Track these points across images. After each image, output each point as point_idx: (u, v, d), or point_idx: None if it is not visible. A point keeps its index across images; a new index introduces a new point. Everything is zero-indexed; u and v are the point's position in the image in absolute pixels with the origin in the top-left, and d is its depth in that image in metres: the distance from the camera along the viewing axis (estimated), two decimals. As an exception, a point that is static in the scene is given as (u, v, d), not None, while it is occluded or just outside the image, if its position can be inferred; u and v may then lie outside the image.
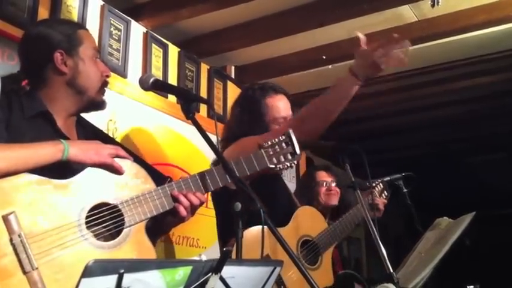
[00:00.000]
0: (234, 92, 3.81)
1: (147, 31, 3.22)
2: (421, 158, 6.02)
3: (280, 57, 3.95)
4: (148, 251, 1.51)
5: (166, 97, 3.16)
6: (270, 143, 1.72)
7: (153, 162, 2.70)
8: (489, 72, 4.18)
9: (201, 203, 1.61)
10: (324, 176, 3.24)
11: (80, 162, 1.46)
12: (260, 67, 4.05)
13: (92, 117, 1.84)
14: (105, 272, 0.93)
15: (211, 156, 2.31)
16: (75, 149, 1.45)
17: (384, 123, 5.29)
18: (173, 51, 3.40)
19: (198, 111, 3.33)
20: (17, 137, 1.49)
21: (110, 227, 1.47)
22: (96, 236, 1.44)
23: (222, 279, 1.11)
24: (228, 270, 1.10)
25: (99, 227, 1.45)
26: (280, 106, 2.30)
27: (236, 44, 3.72)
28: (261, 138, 1.83)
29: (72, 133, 1.71)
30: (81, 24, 2.31)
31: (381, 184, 2.80)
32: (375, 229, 2.04)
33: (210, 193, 2.11)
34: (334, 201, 3.16)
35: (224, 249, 1.10)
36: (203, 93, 3.61)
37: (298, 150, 1.73)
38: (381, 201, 2.76)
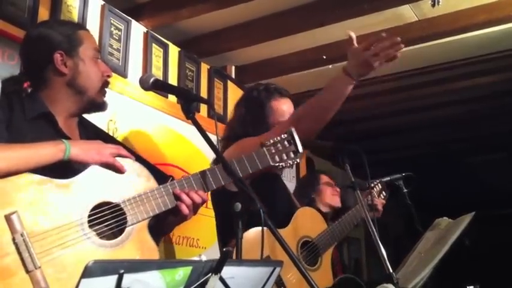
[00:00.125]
0: (234, 92, 3.82)
1: (147, 31, 3.22)
2: (421, 158, 6.02)
3: (280, 57, 3.95)
4: (151, 250, 1.52)
5: (167, 97, 3.16)
6: (272, 141, 1.72)
7: (153, 162, 2.68)
8: (489, 72, 4.19)
9: (203, 201, 1.60)
10: (327, 179, 3.30)
11: (81, 162, 1.46)
12: (260, 67, 4.05)
13: (92, 117, 1.84)
14: (105, 273, 0.93)
15: (211, 156, 2.31)
16: (77, 149, 1.45)
17: (384, 123, 5.29)
18: (173, 51, 3.40)
19: (198, 111, 3.33)
20: (18, 137, 1.49)
21: (112, 225, 1.47)
22: (98, 234, 1.44)
23: (222, 280, 1.11)
24: (227, 271, 1.10)
25: (101, 225, 1.45)
26: (285, 110, 2.30)
27: (236, 44, 3.72)
28: (261, 138, 1.83)
29: (74, 134, 1.71)
30: (81, 25, 2.31)
31: (379, 184, 2.81)
32: (374, 229, 2.04)
33: (209, 194, 2.11)
34: (339, 202, 3.23)
35: (224, 249, 1.10)
36: (203, 93, 3.61)
37: (300, 148, 1.73)
38: (380, 201, 2.77)
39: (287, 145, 1.73)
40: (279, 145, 1.72)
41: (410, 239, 2.39)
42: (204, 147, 2.55)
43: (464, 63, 3.91)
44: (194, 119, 1.61)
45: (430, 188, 5.53)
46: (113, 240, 1.45)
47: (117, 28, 2.94)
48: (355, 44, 1.92)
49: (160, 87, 1.85)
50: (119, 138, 2.72)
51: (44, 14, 2.53)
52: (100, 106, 1.76)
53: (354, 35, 1.93)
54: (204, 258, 1.08)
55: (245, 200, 1.46)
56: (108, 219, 1.46)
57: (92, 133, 1.78)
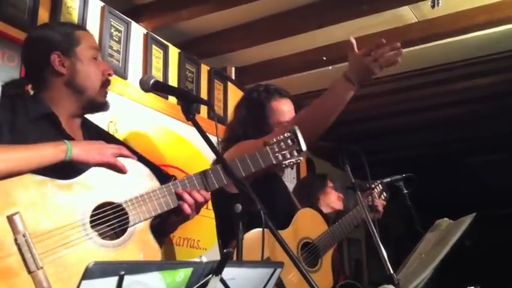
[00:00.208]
0: (234, 93, 3.82)
1: (147, 32, 3.22)
2: (422, 158, 6.02)
3: (280, 58, 3.95)
4: (153, 250, 1.51)
5: (167, 98, 3.16)
6: (275, 140, 1.71)
7: (153, 163, 2.70)
8: (489, 73, 4.19)
9: (206, 201, 1.60)
10: (331, 183, 3.35)
11: (82, 162, 1.46)
12: (260, 68, 4.05)
13: (92, 118, 1.84)
14: (105, 274, 0.93)
15: (211, 157, 2.31)
16: (78, 149, 1.45)
17: (384, 124, 5.30)
18: (173, 52, 3.41)
19: (199, 113, 3.33)
20: (21, 139, 1.50)
21: (114, 226, 1.47)
22: (100, 235, 1.44)
23: (223, 281, 1.11)
24: (228, 272, 1.10)
25: (103, 226, 1.45)
26: (285, 110, 2.30)
27: (236, 45, 3.72)
28: (262, 141, 1.83)
29: (77, 134, 1.71)
30: (80, 26, 2.32)
31: (380, 185, 2.80)
32: (375, 230, 2.04)
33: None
34: (342, 206, 3.33)
35: (225, 250, 1.10)
36: (203, 94, 3.61)
37: (304, 147, 1.72)
38: (380, 202, 2.76)
39: (290, 144, 1.72)
40: (282, 144, 1.71)
41: (411, 240, 2.38)
42: (204, 148, 2.55)
43: (464, 64, 3.91)
44: (194, 120, 1.60)
45: (430, 189, 5.53)
46: (115, 241, 1.45)
47: (117, 29, 2.94)
48: (356, 50, 1.92)
49: (160, 88, 1.85)
50: (119, 140, 2.73)
51: (44, 15, 2.53)
52: (102, 106, 1.76)
53: (354, 41, 1.93)
54: (204, 259, 1.08)
55: (245, 201, 1.45)
56: (110, 219, 1.46)
57: (95, 133, 1.78)
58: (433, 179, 5.53)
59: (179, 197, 1.55)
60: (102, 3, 2.89)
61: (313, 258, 2.27)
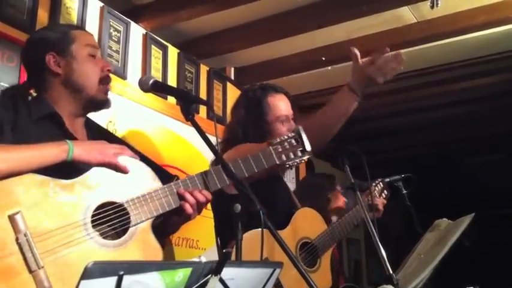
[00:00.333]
0: (233, 93, 3.82)
1: (146, 32, 3.22)
2: (421, 158, 6.03)
3: (279, 58, 3.95)
4: (154, 250, 1.52)
5: (166, 98, 3.17)
6: (278, 140, 1.70)
7: (152, 163, 2.70)
8: (488, 73, 4.19)
9: (207, 201, 1.59)
10: (339, 187, 3.34)
11: (84, 162, 1.46)
12: (260, 68, 4.06)
13: (91, 118, 1.84)
14: (104, 274, 0.93)
15: (210, 157, 2.31)
16: (79, 149, 1.45)
17: (383, 124, 5.30)
18: (173, 52, 3.41)
19: (198, 113, 3.33)
20: (23, 139, 1.50)
21: (116, 226, 1.47)
22: (101, 235, 1.44)
23: (222, 281, 1.11)
24: (227, 272, 1.10)
25: (104, 225, 1.45)
26: (282, 104, 2.30)
27: (235, 45, 3.72)
28: (262, 145, 1.82)
29: (81, 134, 1.72)
30: (77, 26, 2.32)
31: (381, 184, 2.78)
32: (374, 230, 2.04)
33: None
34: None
35: (224, 250, 1.10)
36: (203, 94, 3.61)
37: (308, 147, 1.71)
38: (381, 201, 2.75)
39: (294, 143, 1.71)
40: (285, 144, 1.70)
41: (411, 240, 2.38)
42: (203, 148, 2.54)
43: (464, 64, 3.92)
44: (193, 120, 1.60)
45: (430, 189, 5.53)
46: (116, 240, 1.45)
47: (116, 30, 2.94)
48: (360, 61, 1.92)
49: (159, 88, 1.85)
50: (119, 140, 2.72)
51: (43, 16, 2.53)
52: (103, 103, 1.75)
53: (358, 52, 1.93)
54: (203, 259, 1.08)
55: (245, 201, 1.45)
56: (111, 219, 1.46)
57: (97, 133, 1.79)
58: (432, 179, 5.54)
59: (181, 197, 1.55)
60: (102, 4, 2.89)
61: (312, 258, 2.27)
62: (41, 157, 1.40)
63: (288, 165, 1.70)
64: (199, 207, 1.59)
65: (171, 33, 3.48)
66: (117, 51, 2.93)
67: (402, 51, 1.91)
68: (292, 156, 1.70)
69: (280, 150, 1.69)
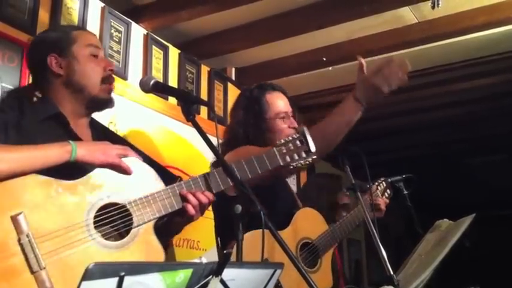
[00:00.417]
0: (234, 94, 3.81)
1: (147, 33, 3.22)
2: (421, 159, 6.02)
3: (280, 59, 3.95)
4: (156, 251, 1.51)
5: (167, 99, 3.17)
6: (283, 141, 1.69)
7: (153, 164, 2.70)
8: (488, 73, 4.19)
9: (210, 202, 1.59)
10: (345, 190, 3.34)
11: (87, 163, 1.46)
12: (260, 69, 4.06)
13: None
14: (105, 275, 0.93)
15: (211, 158, 2.31)
16: (83, 150, 1.45)
17: (384, 124, 5.29)
18: (173, 53, 3.41)
19: (199, 113, 3.33)
20: (28, 139, 1.50)
21: (118, 227, 1.47)
22: (104, 236, 1.44)
23: (223, 282, 1.11)
24: (228, 273, 1.10)
25: (107, 226, 1.45)
26: (280, 101, 2.31)
27: (236, 45, 3.73)
28: (263, 149, 1.81)
29: (86, 134, 1.72)
30: (78, 26, 2.32)
31: (383, 183, 2.76)
32: (375, 231, 2.04)
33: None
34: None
35: (224, 251, 1.10)
36: (203, 95, 3.61)
37: (313, 148, 1.69)
38: (383, 201, 2.73)
39: (299, 144, 1.69)
40: (290, 145, 1.68)
41: (411, 240, 2.38)
42: (204, 149, 2.55)
43: (464, 65, 3.92)
44: (194, 121, 1.60)
45: (430, 190, 5.53)
46: (118, 242, 1.45)
47: (117, 30, 2.94)
48: (365, 71, 1.92)
49: (160, 89, 1.85)
50: (119, 140, 2.72)
51: (44, 16, 2.53)
52: (106, 103, 1.76)
53: (364, 62, 1.93)
54: (204, 260, 1.08)
55: (245, 202, 1.45)
56: (114, 220, 1.46)
57: (101, 133, 1.79)
58: (432, 180, 5.53)
59: (183, 198, 1.55)
60: (102, 4, 2.89)
61: (313, 259, 2.27)
62: (44, 158, 1.40)
63: (292, 167, 1.68)
64: (201, 208, 1.59)
65: (172, 34, 3.48)
66: (118, 52, 2.93)
67: (403, 51, 1.90)
68: (296, 157, 1.68)
69: (284, 151, 1.68)
